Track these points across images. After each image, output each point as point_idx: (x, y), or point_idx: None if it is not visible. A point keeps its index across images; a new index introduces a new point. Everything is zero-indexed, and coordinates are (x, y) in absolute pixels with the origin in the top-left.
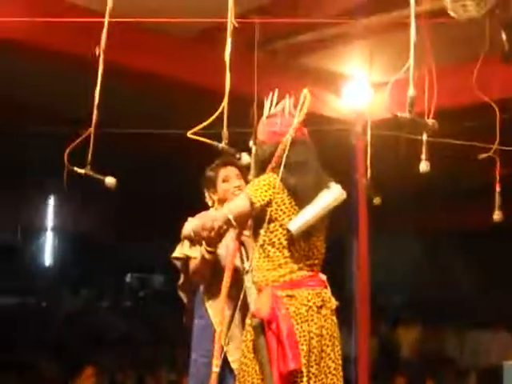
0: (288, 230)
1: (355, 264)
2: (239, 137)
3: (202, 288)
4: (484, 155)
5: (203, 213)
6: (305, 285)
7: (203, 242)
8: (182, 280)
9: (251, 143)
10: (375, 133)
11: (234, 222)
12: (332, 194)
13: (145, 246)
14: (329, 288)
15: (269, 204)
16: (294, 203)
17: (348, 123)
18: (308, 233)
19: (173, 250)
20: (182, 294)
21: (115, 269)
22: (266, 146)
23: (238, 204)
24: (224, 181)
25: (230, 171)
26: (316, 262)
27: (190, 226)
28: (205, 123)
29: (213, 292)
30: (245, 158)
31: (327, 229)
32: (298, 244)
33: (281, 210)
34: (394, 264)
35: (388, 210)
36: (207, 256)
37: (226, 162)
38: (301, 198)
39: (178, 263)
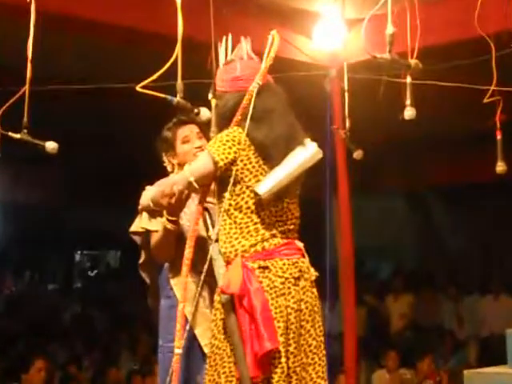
0: (256, 193)
1: (336, 228)
2: (196, 89)
3: (166, 265)
4: (488, 99)
5: (162, 180)
6: (279, 254)
7: (164, 212)
8: (142, 258)
9: (210, 95)
10: (352, 77)
11: (196, 185)
12: (307, 153)
13: (97, 220)
14: (307, 257)
15: (234, 162)
16: (262, 162)
17: (321, 68)
18: (279, 196)
19: (130, 223)
20: (143, 274)
21: (62, 246)
22: (228, 97)
23: (199, 164)
24: (183, 142)
25: (190, 130)
26: (291, 227)
27: (148, 194)
28: (156, 75)
29: (178, 268)
30: (204, 112)
31: (301, 190)
32: (268, 208)
33: (247, 169)
34: (379, 227)
35: (370, 165)
36: (169, 226)
37: (183, 120)
38: (270, 156)
39: (137, 238)
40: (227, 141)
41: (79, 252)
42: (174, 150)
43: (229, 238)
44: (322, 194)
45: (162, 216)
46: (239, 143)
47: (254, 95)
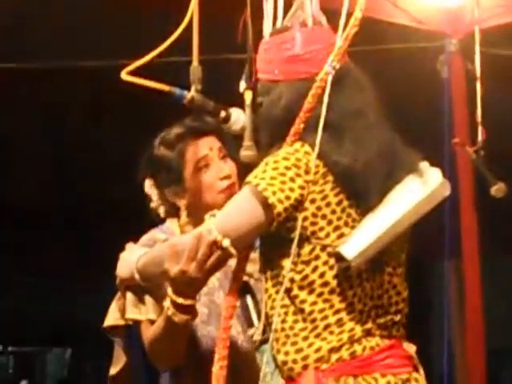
0: (339, 258)
1: (454, 312)
2: (218, 76)
3: (165, 378)
4: None
5: (147, 235)
6: (380, 366)
7: (170, 290)
8: (118, 366)
9: (243, 85)
10: (487, 53)
11: (232, 250)
12: (426, 187)
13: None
14: (421, 369)
15: (299, 207)
16: (347, 203)
17: (433, 37)
18: (378, 262)
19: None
20: None
21: None
22: (282, 89)
23: (236, 213)
24: (199, 167)
25: (209, 146)
26: (397, 318)
27: (132, 259)
28: (153, 53)
29: None
30: (237, 117)
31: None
32: (360, 285)
33: (322, 216)
34: None
35: None
36: (177, 319)
37: (199, 129)
38: (363, 193)
39: (117, 337)
40: (287, 168)
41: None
42: (180, 183)
43: (292, 338)
44: (433, 255)
45: (161, 298)
46: (307, 172)
47: (329, 87)
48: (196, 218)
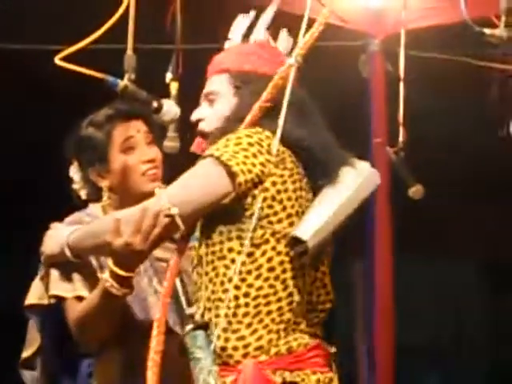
0: (295, 242)
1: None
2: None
3: (88, 363)
4: None
5: (77, 214)
6: (310, 363)
7: (111, 263)
8: (31, 349)
9: (169, 75)
10: (410, 55)
11: (178, 219)
12: (360, 177)
13: None
14: (335, 371)
15: (259, 185)
16: (300, 193)
17: (356, 36)
18: (318, 258)
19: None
20: (26, 374)
21: None
22: (257, 81)
23: (195, 182)
24: (125, 149)
25: (135, 129)
26: (321, 316)
27: (66, 236)
28: (90, 39)
29: (108, 365)
30: (169, 107)
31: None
32: (301, 277)
33: (279, 201)
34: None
35: (434, 211)
36: (117, 291)
37: (129, 112)
38: (323, 171)
39: (35, 316)
40: (250, 144)
41: None
42: (104, 163)
43: (235, 325)
44: (349, 255)
45: (86, 274)
46: (269, 153)
47: (291, 78)
48: (117, 201)
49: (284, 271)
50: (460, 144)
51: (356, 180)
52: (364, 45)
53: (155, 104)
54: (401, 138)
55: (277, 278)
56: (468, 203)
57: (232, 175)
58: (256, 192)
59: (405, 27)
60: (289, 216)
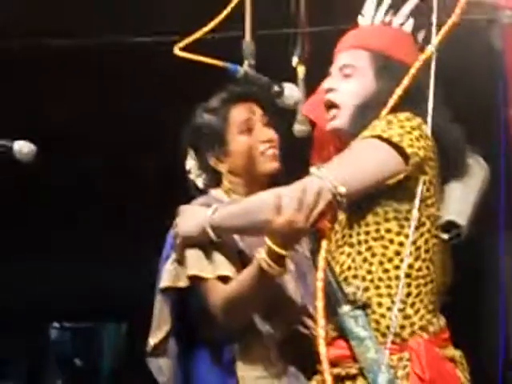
0: (448, 227)
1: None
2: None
3: (229, 348)
4: None
5: (203, 199)
6: (450, 341)
7: (270, 242)
8: (161, 335)
9: (296, 59)
10: None
11: (343, 199)
12: (484, 170)
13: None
14: None
15: (420, 168)
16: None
17: (487, 8)
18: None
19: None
20: (154, 362)
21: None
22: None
23: (364, 161)
24: (242, 131)
25: (251, 111)
26: (442, 297)
27: (208, 216)
28: (206, 29)
29: (253, 349)
30: (290, 91)
31: None
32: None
33: (434, 186)
34: None
35: None
36: (275, 271)
37: (243, 94)
38: (453, 167)
39: (167, 299)
40: (412, 128)
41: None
42: (223, 146)
43: (400, 304)
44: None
45: (228, 253)
46: (428, 138)
47: (434, 66)
48: (238, 184)
49: (434, 253)
50: None
51: (480, 173)
52: (495, 18)
53: (276, 88)
54: None
55: (431, 259)
56: None
57: (405, 156)
58: (418, 175)
59: None
60: (437, 200)
